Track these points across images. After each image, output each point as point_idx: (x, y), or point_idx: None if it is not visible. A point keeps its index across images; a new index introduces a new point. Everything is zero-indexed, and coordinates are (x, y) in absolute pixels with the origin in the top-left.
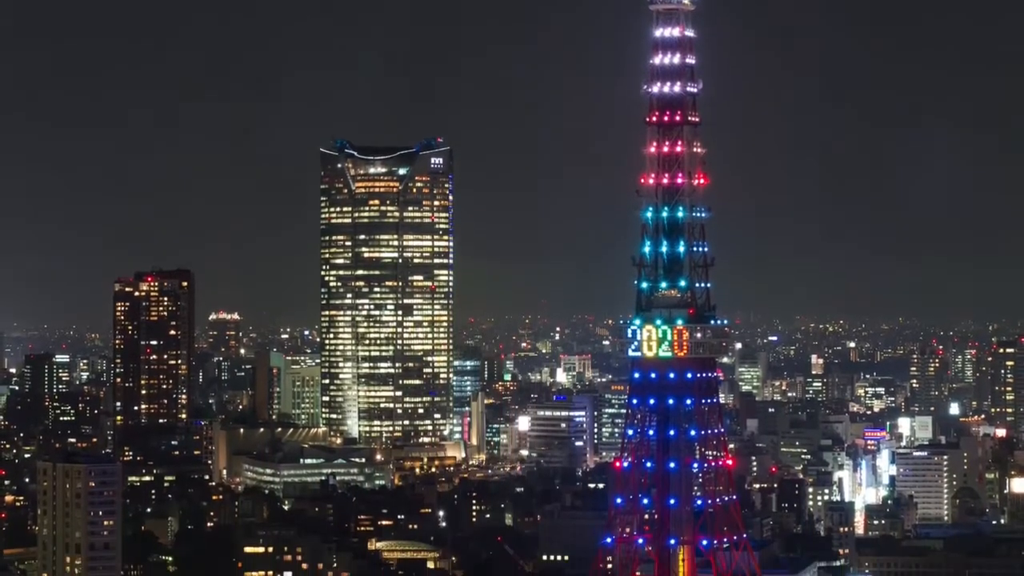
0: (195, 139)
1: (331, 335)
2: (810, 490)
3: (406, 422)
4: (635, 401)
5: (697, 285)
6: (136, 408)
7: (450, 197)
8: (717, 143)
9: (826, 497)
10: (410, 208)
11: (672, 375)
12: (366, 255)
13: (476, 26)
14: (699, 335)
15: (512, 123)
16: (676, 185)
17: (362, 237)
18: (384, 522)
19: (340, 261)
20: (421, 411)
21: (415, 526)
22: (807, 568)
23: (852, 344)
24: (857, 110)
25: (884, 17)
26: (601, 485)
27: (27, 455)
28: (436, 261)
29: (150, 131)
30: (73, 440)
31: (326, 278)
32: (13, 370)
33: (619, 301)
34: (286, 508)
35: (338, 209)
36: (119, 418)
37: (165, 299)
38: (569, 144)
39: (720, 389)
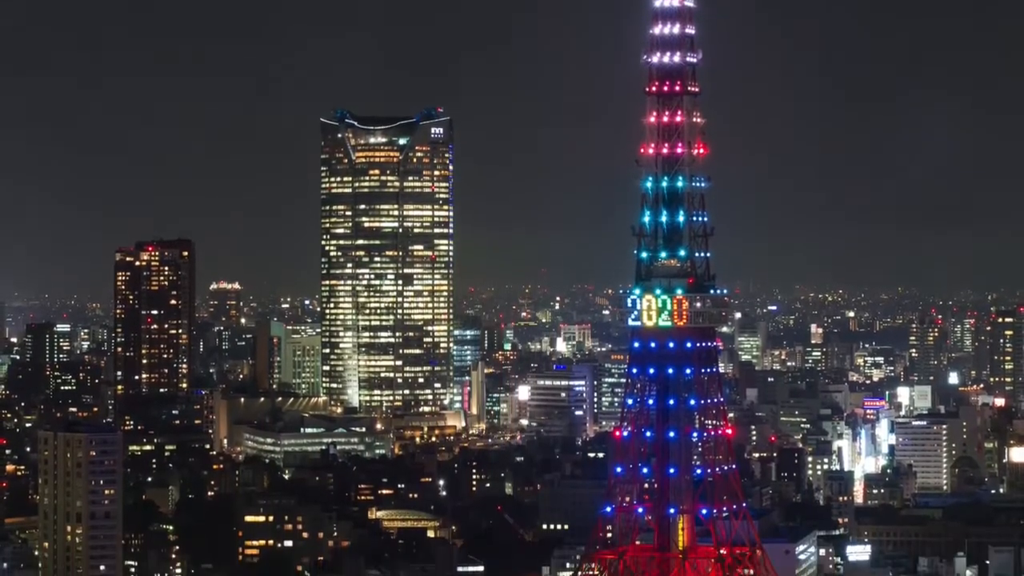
0: (195, 109)
1: (331, 305)
2: (809, 459)
3: (406, 391)
4: (635, 370)
5: (697, 255)
6: (137, 377)
7: (450, 167)
8: (717, 113)
9: (825, 466)
10: (410, 178)
11: (672, 344)
12: (366, 225)
13: None
14: (699, 304)
15: (512, 93)
16: (676, 155)
17: (362, 207)
18: (384, 491)
19: (340, 231)
20: (421, 380)
21: (415, 495)
22: (806, 537)
23: (851, 314)
24: (857, 81)
25: None
26: (601, 454)
27: (28, 424)
28: (436, 231)
29: (150, 100)
30: (74, 409)
31: (326, 248)
32: (14, 339)
33: (619, 271)
34: (286, 477)
35: (338, 179)
36: (120, 387)
37: (166, 269)
38: (569, 114)
39: (720, 358)
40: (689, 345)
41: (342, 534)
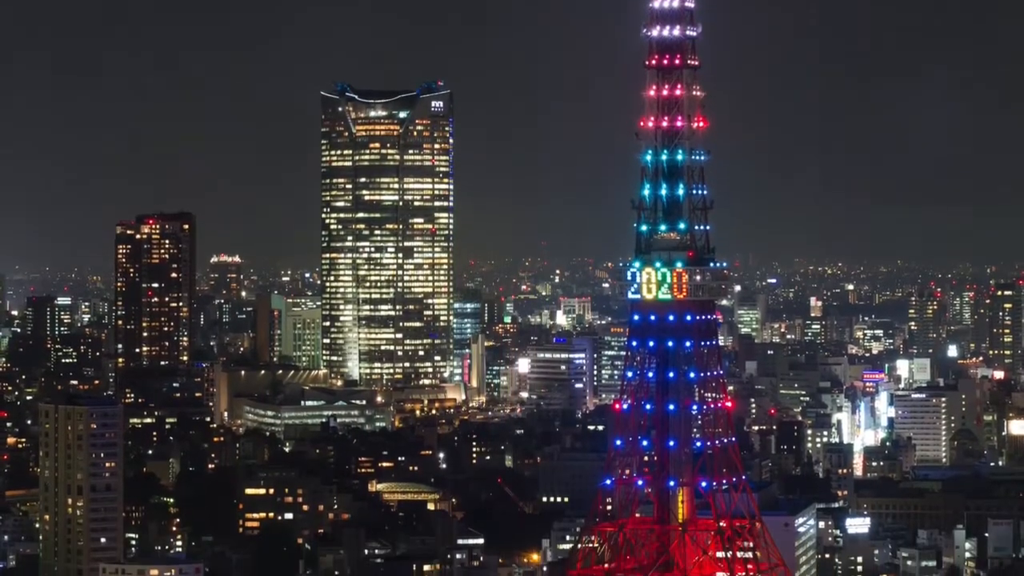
0: (195, 82)
1: (332, 278)
2: (809, 432)
3: (406, 364)
4: (634, 343)
5: (696, 228)
6: (138, 350)
7: (450, 140)
8: (717, 87)
9: (825, 439)
10: (410, 151)
11: (671, 317)
12: (367, 198)
13: None
14: (698, 277)
15: (512, 66)
16: (675, 128)
17: (363, 180)
18: (384, 464)
19: (341, 204)
20: (421, 353)
21: (415, 468)
22: (806, 510)
23: (851, 287)
24: (859, 55)
25: None
26: (601, 427)
27: (29, 397)
28: (436, 204)
29: (151, 74)
30: (75, 382)
31: (327, 221)
32: (15, 312)
33: (619, 244)
34: (287, 450)
35: (339, 152)
36: (120, 360)
37: (167, 242)
38: (569, 88)
39: (719, 331)
40: (689, 318)
41: (342, 507)
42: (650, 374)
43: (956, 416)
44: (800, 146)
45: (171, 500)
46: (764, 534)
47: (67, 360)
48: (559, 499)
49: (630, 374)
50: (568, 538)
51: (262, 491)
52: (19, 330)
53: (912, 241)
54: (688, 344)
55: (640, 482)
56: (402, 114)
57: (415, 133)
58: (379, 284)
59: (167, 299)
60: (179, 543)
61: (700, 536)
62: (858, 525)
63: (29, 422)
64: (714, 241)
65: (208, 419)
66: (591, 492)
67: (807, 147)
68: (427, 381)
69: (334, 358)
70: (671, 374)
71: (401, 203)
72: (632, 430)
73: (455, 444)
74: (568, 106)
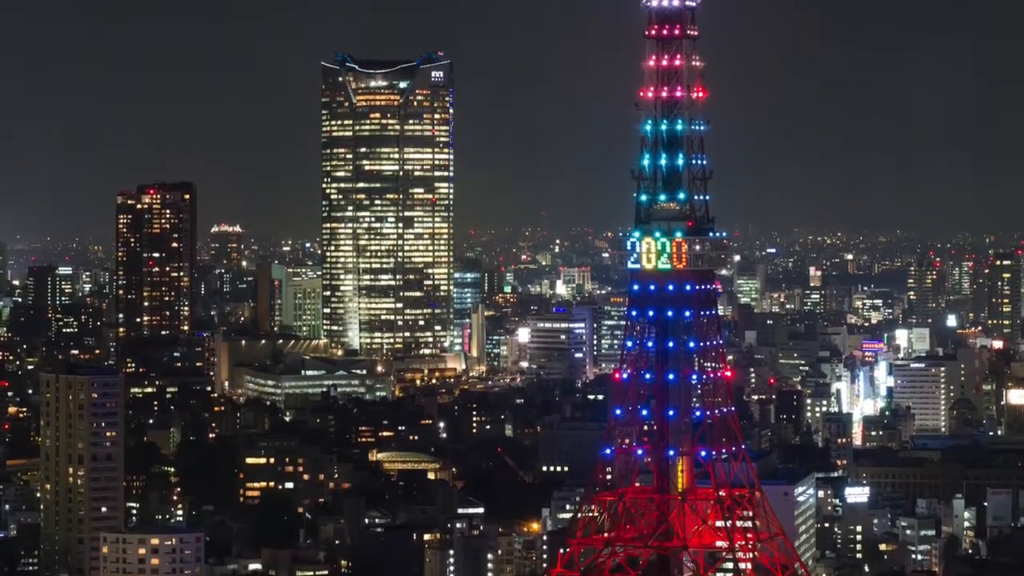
0: (197, 52)
1: (332, 247)
2: (808, 401)
3: (407, 334)
4: (634, 313)
5: (696, 197)
6: (138, 320)
7: (450, 110)
8: (716, 57)
9: (824, 408)
10: (411, 121)
11: (671, 287)
12: (367, 168)
13: None
14: (698, 247)
15: (512, 35)
16: (675, 98)
17: (363, 150)
18: (385, 433)
19: (341, 174)
20: (422, 323)
21: (416, 437)
22: (805, 479)
23: (850, 256)
24: (858, 24)
25: None
26: (600, 396)
27: (30, 367)
28: (436, 174)
29: (151, 45)
30: (76, 352)
31: (327, 191)
32: (16, 282)
33: (618, 213)
34: (287, 419)
35: (339, 122)
36: (121, 330)
37: (167, 211)
38: (569, 57)
39: (719, 301)
40: (688, 288)
41: (342, 476)
42: (650, 344)
43: (955, 386)
44: (799, 116)
45: (172, 469)
46: (763, 503)
47: (68, 330)
48: (559, 468)
49: (630, 344)
50: (568, 507)
51: (262, 460)
52: (20, 300)
53: (911, 210)
54: (687, 314)
55: (640, 451)
56: (402, 84)
57: (415, 103)
58: (379, 254)
59: (168, 269)
60: (180, 512)
61: (700, 505)
62: (857, 494)
63: (30, 391)
64: (713, 211)
65: (209, 388)
66: (591, 461)
67: (807, 117)
68: (427, 351)
69: (334, 328)
70: (671, 344)
71: (401, 173)
72: (632, 400)
73: (455, 413)
74: (567, 75)
